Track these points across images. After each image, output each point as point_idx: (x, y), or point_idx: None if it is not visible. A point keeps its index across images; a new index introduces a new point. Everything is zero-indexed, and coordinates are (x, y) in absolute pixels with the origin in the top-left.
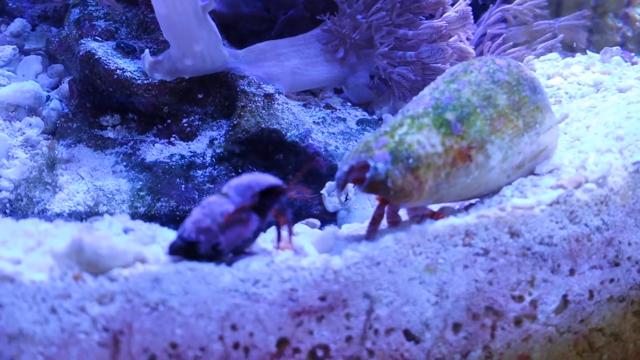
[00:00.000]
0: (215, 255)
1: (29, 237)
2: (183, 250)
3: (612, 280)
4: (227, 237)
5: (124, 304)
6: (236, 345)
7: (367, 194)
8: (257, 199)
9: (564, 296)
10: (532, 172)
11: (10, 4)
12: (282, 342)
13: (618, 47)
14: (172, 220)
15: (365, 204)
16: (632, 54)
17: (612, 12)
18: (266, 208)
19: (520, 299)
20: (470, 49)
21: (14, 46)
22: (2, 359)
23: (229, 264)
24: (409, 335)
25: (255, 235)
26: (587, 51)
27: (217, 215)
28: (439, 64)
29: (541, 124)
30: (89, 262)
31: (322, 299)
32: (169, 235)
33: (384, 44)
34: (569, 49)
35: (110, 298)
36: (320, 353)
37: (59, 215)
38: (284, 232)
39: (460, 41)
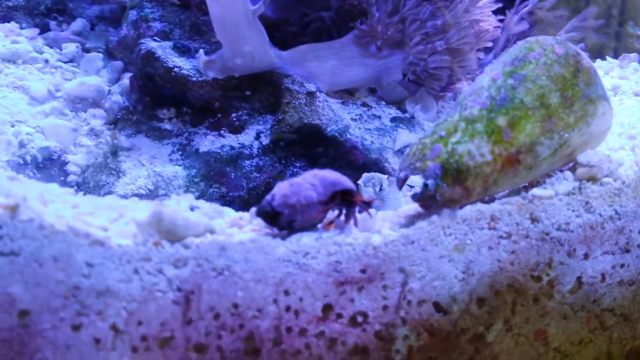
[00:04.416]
0: (288, 228)
1: (111, 210)
2: (268, 216)
3: (622, 265)
4: (302, 218)
5: (195, 268)
6: (288, 308)
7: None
8: (337, 196)
9: (579, 278)
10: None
11: (70, 5)
12: (327, 308)
13: (635, 54)
14: (223, 205)
15: (398, 194)
16: None
17: (632, 20)
18: (333, 204)
19: (538, 279)
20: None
21: (77, 44)
22: (91, 312)
23: (284, 237)
24: (438, 307)
25: (320, 222)
26: (607, 57)
27: (301, 197)
28: (466, 46)
29: (593, 115)
30: (168, 230)
31: (363, 271)
32: (230, 212)
33: (415, 38)
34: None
35: (184, 262)
36: (360, 319)
37: (123, 197)
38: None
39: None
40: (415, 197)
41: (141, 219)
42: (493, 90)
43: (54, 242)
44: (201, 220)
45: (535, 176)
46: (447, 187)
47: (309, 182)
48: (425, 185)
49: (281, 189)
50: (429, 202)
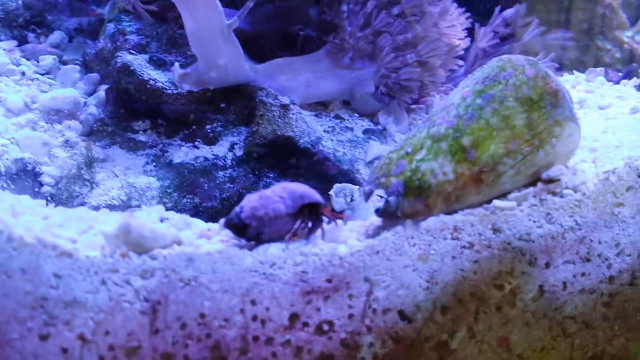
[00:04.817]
0: (255, 240)
1: (81, 222)
2: (236, 227)
3: (583, 274)
4: (270, 230)
5: (162, 279)
6: (254, 318)
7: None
8: (305, 208)
9: (540, 286)
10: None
11: (49, 17)
12: (293, 317)
13: (602, 68)
14: (195, 215)
15: (368, 205)
16: (620, 74)
17: (602, 34)
18: (301, 216)
19: (501, 287)
20: (459, 42)
21: (54, 56)
22: (58, 322)
23: (251, 248)
24: (402, 315)
25: (288, 233)
26: (574, 71)
27: (270, 210)
28: (436, 59)
29: (558, 136)
30: (135, 242)
31: (329, 281)
32: (199, 224)
33: (386, 50)
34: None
35: (151, 273)
36: (325, 327)
37: (96, 208)
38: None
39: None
40: (378, 212)
41: (109, 231)
42: (461, 108)
43: (22, 254)
44: (169, 231)
45: (497, 193)
46: (408, 204)
47: (278, 195)
48: (387, 202)
49: (250, 201)
50: (390, 217)
